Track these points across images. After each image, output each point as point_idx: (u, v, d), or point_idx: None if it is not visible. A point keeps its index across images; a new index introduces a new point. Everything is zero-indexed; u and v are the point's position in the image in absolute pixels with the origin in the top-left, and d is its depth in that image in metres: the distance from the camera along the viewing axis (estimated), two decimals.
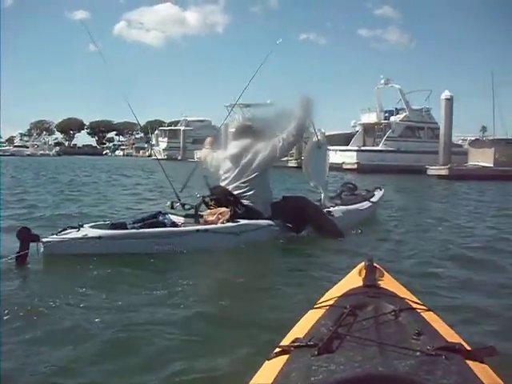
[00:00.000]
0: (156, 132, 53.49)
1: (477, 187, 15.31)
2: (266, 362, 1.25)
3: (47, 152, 62.58)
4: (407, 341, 1.22)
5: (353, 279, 1.67)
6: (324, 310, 1.44)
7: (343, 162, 26.18)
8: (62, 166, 28.70)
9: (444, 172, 20.89)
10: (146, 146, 66.24)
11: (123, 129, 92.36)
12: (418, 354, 1.14)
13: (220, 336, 2.47)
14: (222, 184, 5.07)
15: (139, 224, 4.35)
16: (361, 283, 1.58)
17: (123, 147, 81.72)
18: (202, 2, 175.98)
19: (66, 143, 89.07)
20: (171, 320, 2.65)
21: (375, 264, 1.68)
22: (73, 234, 4.02)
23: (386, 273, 1.71)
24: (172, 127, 52.68)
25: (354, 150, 27.22)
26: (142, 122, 66.84)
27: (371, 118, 30.22)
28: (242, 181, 4.95)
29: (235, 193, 4.91)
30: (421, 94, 30.58)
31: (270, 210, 4.98)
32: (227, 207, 4.71)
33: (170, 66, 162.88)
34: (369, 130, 29.95)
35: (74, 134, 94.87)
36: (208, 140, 5.88)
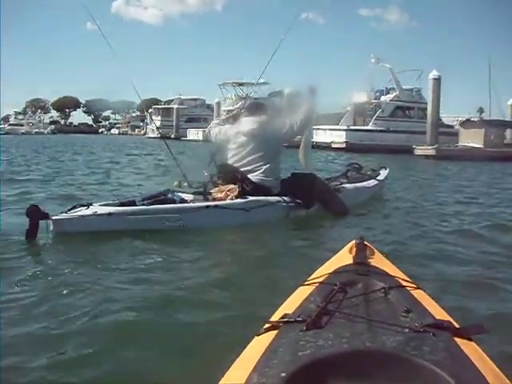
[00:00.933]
0: (150, 110, 53.13)
1: (462, 168, 15.17)
2: (255, 337, 1.26)
3: (42, 130, 62.09)
4: (396, 318, 1.22)
5: (343, 257, 1.68)
6: (314, 287, 1.45)
7: (332, 141, 26.21)
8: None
9: (431, 152, 20.66)
10: (141, 124, 65.89)
11: (119, 107, 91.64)
12: (406, 330, 1.15)
13: (215, 312, 2.50)
14: (234, 159, 5.07)
15: (148, 201, 4.34)
16: (351, 261, 1.58)
17: (119, 125, 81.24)
18: None
19: (62, 121, 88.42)
20: (167, 296, 2.69)
21: (366, 242, 1.69)
22: (82, 211, 4.00)
23: (376, 251, 1.72)
24: (166, 105, 52.21)
25: (343, 130, 26.96)
26: (139, 101, 66.24)
27: (362, 97, 30.04)
28: (258, 155, 4.96)
29: (249, 167, 4.93)
30: (413, 74, 30.22)
31: (279, 186, 5.02)
32: (235, 184, 4.73)
33: (167, 45, 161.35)
34: (359, 109, 29.78)
35: (69, 112, 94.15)
36: (232, 115, 5.88)
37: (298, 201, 4.96)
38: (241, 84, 42.53)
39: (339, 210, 5.17)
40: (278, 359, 1.05)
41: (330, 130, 26.82)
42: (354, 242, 1.71)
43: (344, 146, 25.34)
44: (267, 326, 1.26)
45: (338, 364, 1.04)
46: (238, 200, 4.58)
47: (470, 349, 1.14)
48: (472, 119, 25.99)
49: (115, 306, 2.49)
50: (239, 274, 3.24)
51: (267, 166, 4.92)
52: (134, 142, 36.55)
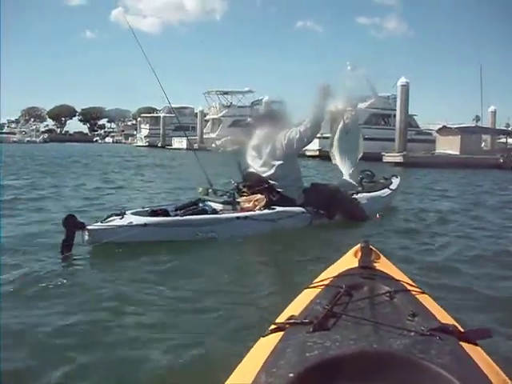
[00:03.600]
0: (138, 119, 52.79)
1: (424, 175, 15.34)
2: (261, 338, 1.25)
3: (34, 139, 61.52)
4: (402, 321, 1.22)
5: (349, 260, 1.68)
6: (319, 290, 1.44)
7: (306, 149, 25.99)
8: None
9: (398, 159, 20.65)
10: (134, 132, 65.74)
11: (115, 115, 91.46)
12: (412, 333, 1.14)
13: (230, 314, 2.56)
14: (252, 170, 5.13)
15: (181, 211, 4.38)
16: (356, 264, 1.58)
17: (113, 134, 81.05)
18: None
19: (58, 130, 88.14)
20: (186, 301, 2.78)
21: (371, 246, 1.68)
22: (117, 221, 4.00)
23: (381, 255, 1.71)
24: (153, 114, 51.87)
25: (317, 137, 26.66)
26: (134, 109, 66.33)
27: (339, 104, 29.73)
28: (271, 172, 5.02)
29: (270, 180, 4.98)
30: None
31: (302, 197, 5.08)
32: (261, 194, 4.80)
33: (165, 53, 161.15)
34: (336, 117, 29.41)
35: (65, 120, 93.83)
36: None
37: (321, 211, 5.05)
38: (225, 92, 42.51)
39: (360, 217, 5.30)
40: (285, 360, 1.05)
41: None
42: (359, 245, 1.71)
43: (317, 153, 24.83)
44: (273, 327, 1.25)
45: (345, 365, 1.03)
46: (267, 211, 4.67)
47: (475, 353, 1.14)
48: (448, 126, 25.81)
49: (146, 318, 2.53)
50: (258, 282, 3.34)
51: (283, 180, 4.97)
52: (122, 151, 35.65)
